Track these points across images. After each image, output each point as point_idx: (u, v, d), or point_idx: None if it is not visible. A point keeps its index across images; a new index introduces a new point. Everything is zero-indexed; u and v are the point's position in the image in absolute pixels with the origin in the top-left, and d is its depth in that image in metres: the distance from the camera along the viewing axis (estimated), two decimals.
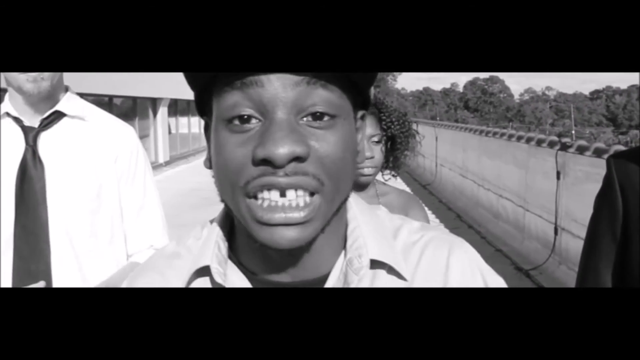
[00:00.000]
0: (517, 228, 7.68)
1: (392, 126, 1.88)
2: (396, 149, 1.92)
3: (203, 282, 0.72)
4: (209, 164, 0.68)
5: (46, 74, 1.56)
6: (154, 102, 16.86)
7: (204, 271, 0.71)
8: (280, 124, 0.60)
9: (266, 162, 0.59)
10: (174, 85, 17.40)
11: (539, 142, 7.18)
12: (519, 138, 7.96)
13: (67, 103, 1.68)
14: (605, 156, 5.32)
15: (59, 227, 1.61)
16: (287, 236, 0.61)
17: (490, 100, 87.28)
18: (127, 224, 1.74)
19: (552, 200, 6.49)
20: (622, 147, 5.84)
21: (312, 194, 0.62)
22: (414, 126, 2.00)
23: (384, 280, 0.70)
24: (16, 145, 1.62)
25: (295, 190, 0.61)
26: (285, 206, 0.61)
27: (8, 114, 1.63)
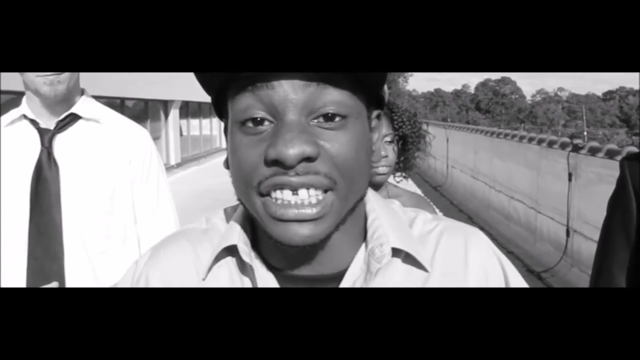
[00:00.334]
0: (529, 230, 7.64)
1: (404, 126, 1.88)
2: (407, 150, 1.93)
3: (229, 261, 0.74)
4: (227, 164, 0.70)
5: (63, 77, 1.58)
6: (166, 104, 16.93)
7: (231, 250, 0.73)
8: (291, 125, 0.61)
9: (277, 162, 0.61)
10: (185, 87, 17.47)
11: (551, 144, 7.14)
12: (531, 139, 7.92)
13: (83, 106, 1.70)
14: (618, 158, 5.29)
15: (73, 229, 1.63)
16: (300, 233, 0.62)
17: (502, 101, 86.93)
18: (141, 226, 1.75)
19: (564, 202, 6.45)
20: (635, 149, 5.79)
21: (325, 191, 0.63)
22: (424, 126, 2.00)
23: (403, 269, 0.72)
24: (32, 147, 1.64)
25: (307, 189, 0.62)
26: (298, 203, 0.62)
27: (25, 116, 1.66)
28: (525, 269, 6.48)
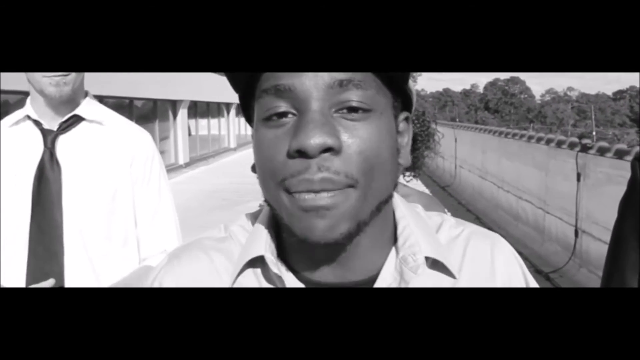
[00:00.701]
0: (537, 230, 7.61)
1: (413, 124, 1.88)
2: (417, 148, 1.92)
3: (253, 273, 0.73)
4: (253, 169, 0.70)
5: (69, 78, 1.59)
6: (174, 104, 16.97)
7: (254, 263, 0.72)
8: (313, 116, 0.62)
9: (300, 153, 0.61)
10: (193, 87, 17.52)
11: (559, 144, 7.11)
12: (539, 139, 7.90)
13: (86, 107, 1.71)
14: (627, 158, 5.26)
15: (74, 229, 1.64)
16: (320, 226, 0.62)
17: (511, 101, 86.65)
18: (141, 227, 1.76)
19: (572, 202, 6.43)
20: None
21: (345, 188, 0.63)
22: (433, 125, 2.00)
23: (432, 275, 0.72)
24: (35, 148, 1.66)
25: (328, 192, 0.62)
26: (318, 199, 0.62)
27: (29, 117, 1.68)
28: (534, 270, 6.46)
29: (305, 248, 0.67)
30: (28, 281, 1.61)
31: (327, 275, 0.70)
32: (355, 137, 0.63)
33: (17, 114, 1.70)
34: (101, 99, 12.00)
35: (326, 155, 0.61)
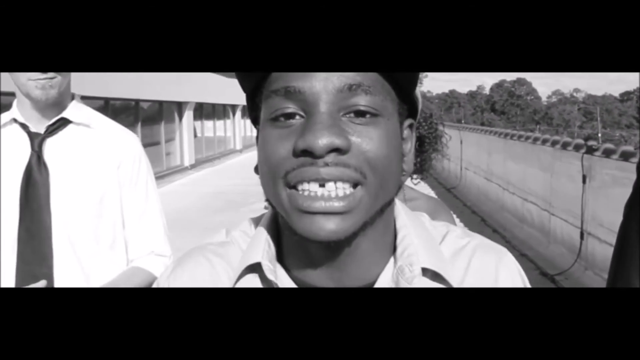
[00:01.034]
0: (543, 232, 7.59)
1: (420, 127, 1.88)
2: (424, 151, 1.92)
3: (252, 278, 0.73)
4: (256, 170, 0.70)
5: (55, 81, 1.59)
6: (180, 106, 17.01)
7: (254, 268, 0.72)
8: (321, 117, 0.62)
9: (306, 153, 0.61)
10: (199, 89, 17.56)
11: (565, 145, 7.09)
12: (544, 141, 7.87)
13: (73, 110, 1.71)
14: (633, 160, 5.24)
15: (62, 232, 1.64)
16: (326, 226, 0.61)
17: (517, 102, 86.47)
18: (129, 229, 1.77)
19: (578, 204, 6.40)
20: None
21: (354, 186, 0.63)
22: (440, 127, 2.00)
23: (431, 286, 0.71)
24: (22, 151, 1.65)
25: (335, 182, 0.61)
26: (325, 196, 0.62)
27: (15, 120, 1.67)
28: (539, 272, 6.44)
29: (305, 249, 0.67)
30: (17, 284, 1.61)
31: (324, 280, 0.70)
32: (363, 137, 0.63)
33: (4, 117, 1.70)
34: (107, 100, 12.04)
35: (333, 154, 0.61)
